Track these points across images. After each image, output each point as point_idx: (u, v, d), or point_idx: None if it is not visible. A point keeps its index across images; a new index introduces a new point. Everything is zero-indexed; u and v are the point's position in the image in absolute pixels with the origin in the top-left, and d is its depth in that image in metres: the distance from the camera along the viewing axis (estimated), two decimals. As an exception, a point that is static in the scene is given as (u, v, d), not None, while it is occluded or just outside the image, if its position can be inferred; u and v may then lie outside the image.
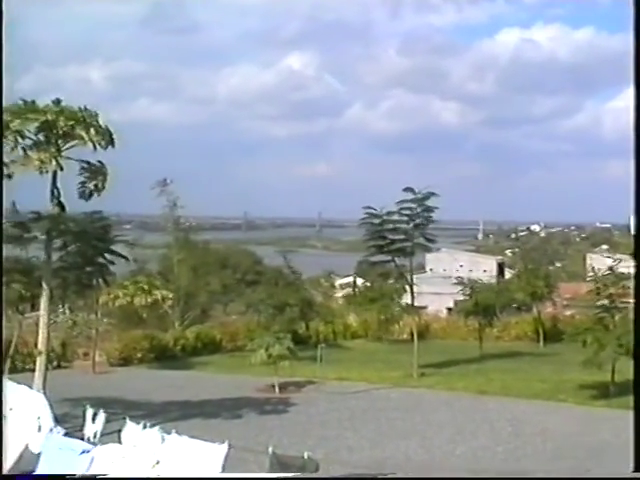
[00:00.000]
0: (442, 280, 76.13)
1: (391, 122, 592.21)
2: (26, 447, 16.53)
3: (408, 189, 43.54)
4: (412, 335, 46.65)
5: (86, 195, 26.82)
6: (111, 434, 15.82)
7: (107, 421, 16.12)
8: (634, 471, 13.84)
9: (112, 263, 31.36)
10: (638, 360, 14.86)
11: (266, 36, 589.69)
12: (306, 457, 15.10)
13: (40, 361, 27.63)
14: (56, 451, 15.52)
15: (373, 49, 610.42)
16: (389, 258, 45.48)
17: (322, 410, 34.49)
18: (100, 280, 34.78)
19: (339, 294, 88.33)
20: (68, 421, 19.31)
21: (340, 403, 35.83)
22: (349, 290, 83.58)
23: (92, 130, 25.33)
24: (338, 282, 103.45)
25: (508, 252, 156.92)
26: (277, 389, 38.46)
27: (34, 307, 34.60)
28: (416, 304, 47.70)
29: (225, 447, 14.78)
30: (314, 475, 14.07)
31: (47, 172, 25.45)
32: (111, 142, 26.10)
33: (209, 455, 14.84)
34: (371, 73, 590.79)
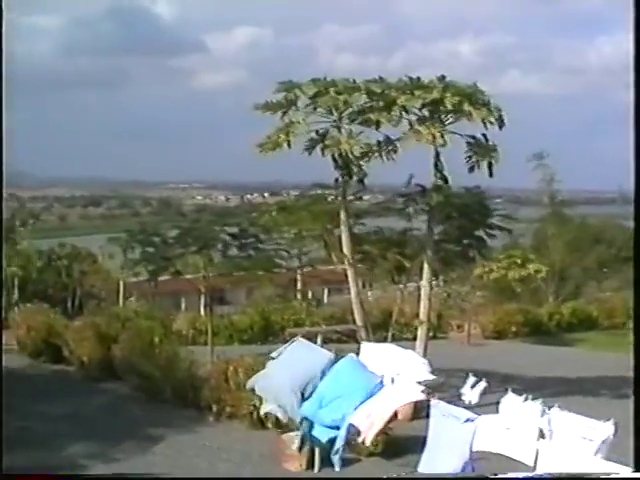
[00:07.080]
0: None
1: None
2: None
3: None
4: None
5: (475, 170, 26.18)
6: (486, 406, 15.91)
7: (482, 393, 16.23)
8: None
9: (493, 236, 31.43)
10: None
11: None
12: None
13: (421, 331, 28.25)
14: (440, 418, 15.87)
15: None
16: None
17: None
18: (477, 253, 35.13)
19: None
20: (446, 390, 19.72)
21: None
22: None
23: (480, 107, 25.04)
24: None
25: None
26: (658, 369, 36.95)
27: (408, 278, 35.56)
28: None
29: (611, 426, 14.39)
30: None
31: (439, 146, 25.67)
32: (501, 121, 25.43)
33: (593, 432, 14.53)
34: None
